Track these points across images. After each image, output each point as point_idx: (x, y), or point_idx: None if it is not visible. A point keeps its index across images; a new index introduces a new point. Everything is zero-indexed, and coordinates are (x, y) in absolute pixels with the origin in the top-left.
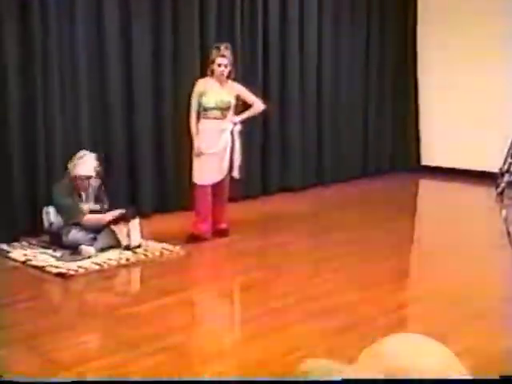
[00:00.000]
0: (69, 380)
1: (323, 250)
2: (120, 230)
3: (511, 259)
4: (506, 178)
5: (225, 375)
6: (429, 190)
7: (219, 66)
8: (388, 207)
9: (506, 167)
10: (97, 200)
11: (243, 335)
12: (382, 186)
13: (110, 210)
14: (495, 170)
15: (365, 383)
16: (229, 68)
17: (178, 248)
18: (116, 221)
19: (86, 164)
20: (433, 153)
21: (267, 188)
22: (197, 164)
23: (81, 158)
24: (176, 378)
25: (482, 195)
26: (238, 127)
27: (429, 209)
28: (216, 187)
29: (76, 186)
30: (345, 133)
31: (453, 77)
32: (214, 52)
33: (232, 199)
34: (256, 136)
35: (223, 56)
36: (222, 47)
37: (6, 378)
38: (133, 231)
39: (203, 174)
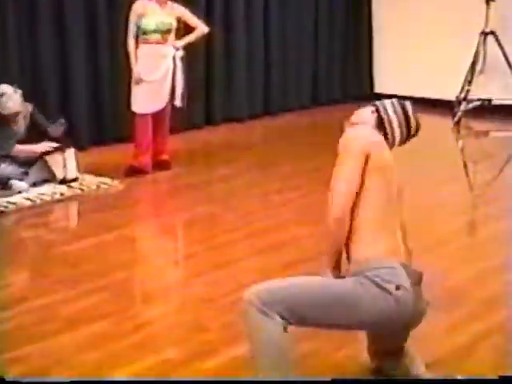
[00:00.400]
0: (68, 380)
1: (271, 182)
2: (55, 160)
3: (467, 192)
4: (463, 106)
5: (167, 313)
6: None
7: None
8: (339, 138)
9: (462, 95)
10: (35, 126)
11: (187, 272)
12: (332, 116)
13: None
14: (452, 98)
15: (365, 383)
16: None
17: (116, 182)
18: (50, 151)
19: (11, 100)
20: (387, 80)
21: (211, 118)
22: (136, 92)
23: (3, 94)
24: (176, 378)
25: (438, 125)
26: (180, 52)
27: None
28: (157, 116)
29: (5, 122)
30: (293, 59)
31: None
32: None
33: (174, 129)
34: (199, 62)
35: None
36: None
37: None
38: (69, 162)
39: (143, 103)
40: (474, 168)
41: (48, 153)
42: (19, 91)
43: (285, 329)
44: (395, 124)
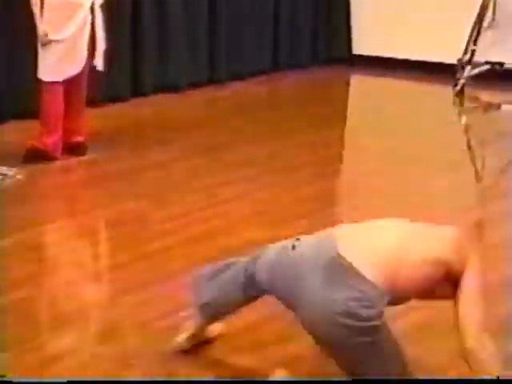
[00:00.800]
0: (69, 380)
1: (218, 171)
2: None
3: (473, 182)
4: (467, 71)
5: (84, 344)
6: (363, 87)
7: None
8: (308, 112)
9: (467, 57)
10: None
11: (110, 289)
12: (299, 84)
13: None
14: (453, 61)
15: (365, 383)
16: None
17: (14, 170)
18: None
19: None
20: (368, 40)
21: (141, 87)
22: (43, 55)
23: None
24: (176, 378)
25: (436, 95)
26: (99, 0)
27: (363, 114)
28: (70, 85)
29: None
30: (248, 12)
31: None
32: None
33: (92, 102)
34: (125, 15)
35: None
36: None
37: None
38: None
39: (52, 68)
40: (481, 151)
41: None
42: None
43: None
44: None
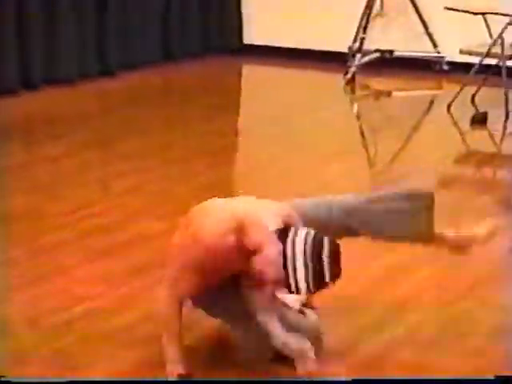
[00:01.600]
0: (69, 380)
1: (111, 164)
2: None
3: (366, 168)
4: (357, 59)
5: None
6: (256, 77)
7: None
8: (201, 102)
9: (356, 45)
10: None
11: (1, 285)
12: (191, 74)
13: None
14: (344, 49)
15: (365, 383)
16: None
17: None
18: None
19: None
20: (260, 29)
21: (30, 80)
22: None
23: None
24: (176, 378)
25: (327, 83)
26: None
27: (256, 103)
28: None
29: None
30: (137, 5)
31: None
32: None
33: None
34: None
35: None
36: None
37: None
38: None
39: None
40: (373, 138)
41: None
42: None
43: None
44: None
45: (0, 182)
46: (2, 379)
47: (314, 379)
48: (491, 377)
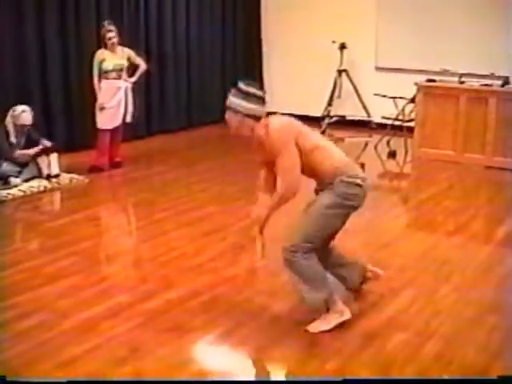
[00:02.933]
0: (69, 380)
1: (193, 176)
2: (42, 160)
3: None
4: (327, 120)
5: (121, 270)
6: None
7: (109, 39)
8: (240, 143)
9: (326, 113)
10: (29, 139)
11: (135, 240)
12: (223, 131)
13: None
14: (319, 114)
15: (365, 383)
16: (116, 38)
17: (83, 177)
18: (40, 153)
19: (27, 116)
20: (274, 101)
21: (150, 130)
22: (100, 114)
23: (24, 111)
24: (176, 378)
25: None
26: (130, 85)
27: None
28: (113, 130)
29: (18, 132)
30: (207, 86)
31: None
32: (103, 29)
33: (124, 139)
34: (141, 88)
35: (110, 30)
36: (106, 23)
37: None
38: (53, 162)
39: (104, 122)
40: None
41: (38, 155)
42: (32, 112)
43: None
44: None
45: (133, 186)
46: (3, 379)
47: (314, 379)
48: (492, 377)
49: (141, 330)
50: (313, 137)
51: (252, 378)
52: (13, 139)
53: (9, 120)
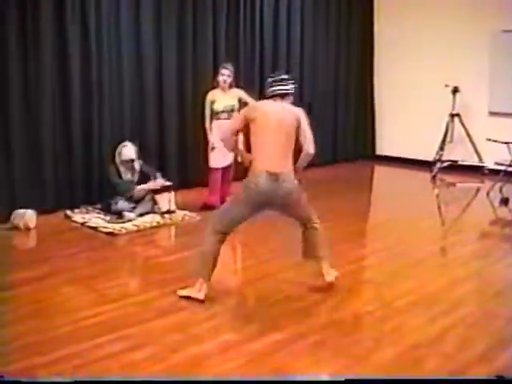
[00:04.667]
0: (68, 380)
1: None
2: (162, 196)
3: (440, 225)
4: (438, 165)
5: (230, 307)
6: (381, 174)
7: (222, 75)
8: (351, 185)
9: (437, 157)
10: (145, 175)
11: (244, 278)
12: (346, 170)
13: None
14: (430, 159)
15: (365, 383)
16: (230, 79)
17: (195, 214)
18: (160, 191)
19: (128, 150)
20: (384, 145)
21: (188, 181)
22: (211, 154)
23: (124, 146)
24: (177, 378)
25: (421, 178)
26: None
27: (380, 188)
28: (224, 169)
29: (126, 168)
30: (320, 128)
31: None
32: (220, 68)
33: (236, 178)
34: None
35: (225, 68)
36: (224, 64)
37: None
38: (172, 199)
39: (216, 161)
40: (445, 208)
41: (157, 191)
42: (135, 147)
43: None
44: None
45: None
46: (2, 379)
47: (314, 379)
48: (492, 377)
49: (245, 369)
50: (262, 132)
51: None
52: (129, 176)
53: (117, 159)
